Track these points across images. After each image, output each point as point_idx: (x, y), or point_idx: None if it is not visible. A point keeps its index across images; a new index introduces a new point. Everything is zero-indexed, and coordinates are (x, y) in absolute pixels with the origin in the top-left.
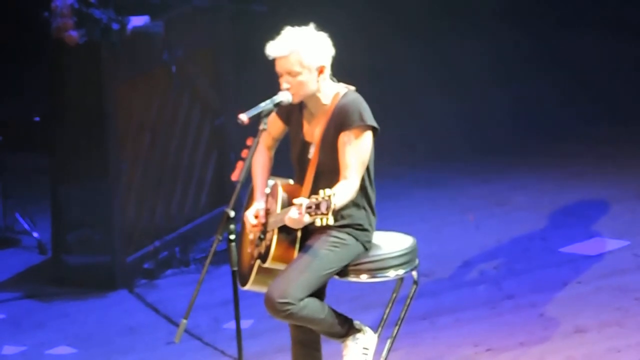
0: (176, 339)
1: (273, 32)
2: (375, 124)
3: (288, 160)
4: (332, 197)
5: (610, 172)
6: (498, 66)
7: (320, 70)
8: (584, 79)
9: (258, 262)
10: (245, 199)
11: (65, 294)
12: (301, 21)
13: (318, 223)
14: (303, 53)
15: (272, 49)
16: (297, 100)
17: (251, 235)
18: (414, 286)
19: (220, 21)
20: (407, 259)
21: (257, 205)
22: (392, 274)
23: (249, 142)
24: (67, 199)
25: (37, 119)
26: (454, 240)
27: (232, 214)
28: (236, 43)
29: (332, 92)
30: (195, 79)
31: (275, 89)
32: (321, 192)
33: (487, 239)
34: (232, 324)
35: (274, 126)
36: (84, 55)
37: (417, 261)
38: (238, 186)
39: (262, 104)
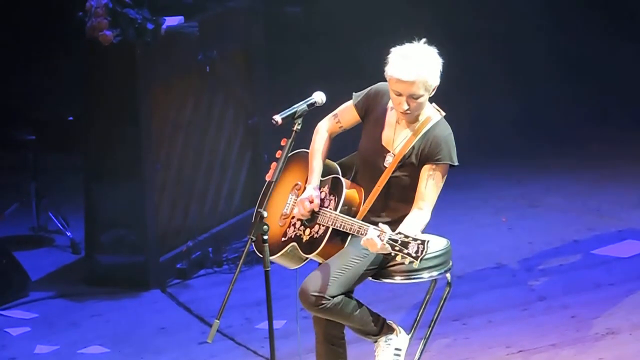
0: (209, 339)
1: (306, 33)
2: (458, 163)
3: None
4: (426, 244)
5: None
6: (531, 67)
7: (434, 89)
8: (618, 81)
9: (294, 244)
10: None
11: (98, 294)
12: (333, 22)
13: (399, 259)
14: (429, 77)
15: (401, 72)
16: (412, 118)
17: (286, 209)
18: (448, 288)
19: (254, 22)
20: (441, 260)
21: (312, 191)
22: (426, 275)
23: (283, 142)
24: (100, 199)
25: (71, 118)
26: (486, 241)
27: (265, 214)
28: (270, 44)
29: (426, 113)
30: (229, 79)
31: (309, 89)
32: (412, 231)
33: (520, 240)
34: (264, 324)
35: (347, 117)
36: (118, 55)
37: (450, 263)
38: (272, 187)
39: (296, 105)
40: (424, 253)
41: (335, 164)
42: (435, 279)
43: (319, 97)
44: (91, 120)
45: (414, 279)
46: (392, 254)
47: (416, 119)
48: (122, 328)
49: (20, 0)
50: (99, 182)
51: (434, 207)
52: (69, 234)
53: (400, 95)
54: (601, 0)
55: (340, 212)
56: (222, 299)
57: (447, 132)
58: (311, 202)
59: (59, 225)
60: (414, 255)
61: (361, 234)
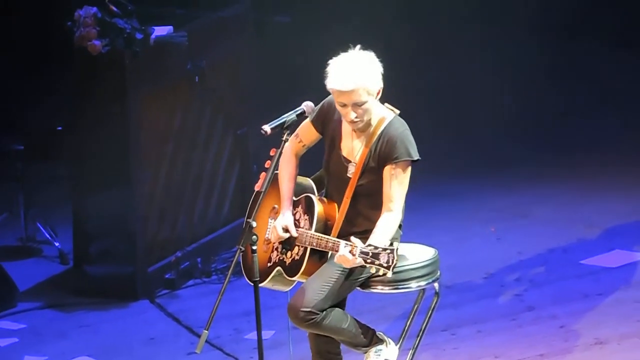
0: (197, 350)
1: (296, 42)
2: (419, 157)
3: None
4: (395, 252)
5: (633, 185)
6: (519, 78)
7: (379, 92)
8: (606, 91)
9: (279, 269)
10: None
11: (86, 304)
12: (323, 32)
13: (374, 271)
14: (368, 83)
15: (340, 83)
16: (361, 125)
17: (268, 234)
18: (436, 298)
19: (243, 32)
20: (429, 270)
21: (288, 217)
22: (414, 285)
23: (272, 152)
24: (89, 209)
25: (59, 128)
26: (475, 251)
27: (254, 224)
28: (259, 53)
29: (379, 114)
30: (218, 89)
31: (298, 99)
32: (381, 240)
33: (509, 250)
34: (253, 335)
35: (307, 135)
36: (107, 64)
37: (438, 273)
38: (261, 197)
39: (285, 115)
40: (394, 262)
41: (310, 181)
42: (423, 289)
43: (308, 107)
44: (80, 130)
45: (401, 288)
46: (367, 266)
47: (369, 124)
48: (110, 338)
49: (8, 10)
50: (87, 192)
51: (411, 206)
52: (57, 244)
53: (345, 105)
54: (600, 7)
55: (316, 230)
56: (211, 309)
57: (401, 129)
58: (284, 228)
59: (47, 235)
60: (385, 265)
61: (335, 250)
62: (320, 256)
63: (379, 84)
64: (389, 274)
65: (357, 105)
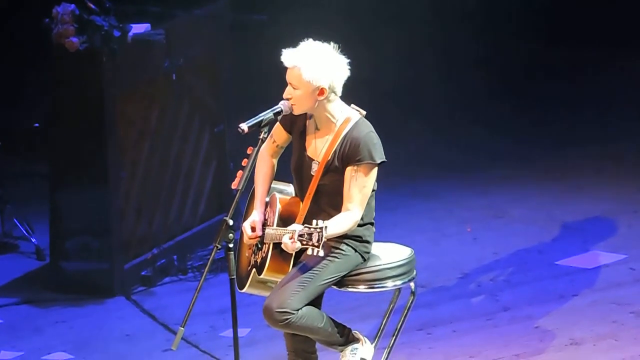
0: (173, 347)
1: (273, 41)
2: (384, 159)
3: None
4: (324, 230)
5: (608, 186)
6: (498, 79)
7: (320, 92)
8: (582, 94)
9: (254, 270)
10: (244, 206)
11: (62, 300)
12: (301, 31)
13: (310, 252)
14: (304, 70)
15: (284, 56)
16: (296, 112)
17: (249, 242)
18: (412, 297)
19: (220, 30)
20: (405, 269)
21: (255, 216)
22: (390, 284)
23: (249, 151)
24: (65, 206)
25: (36, 125)
26: (451, 251)
27: (231, 222)
28: (236, 52)
29: (343, 115)
30: (195, 87)
31: (275, 98)
32: (314, 222)
33: (484, 251)
34: (229, 332)
35: (279, 135)
36: (84, 61)
37: (414, 272)
38: (237, 195)
39: (262, 114)
40: (323, 239)
41: (291, 186)
42: (399, 288)
43: (285, 105)
44: (57, 126)
45: (377, 288)
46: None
47: (332, 123)
48: (86, 335)
49: None
50: (64, 189)
51: (380, 210)
52: (33, 240)
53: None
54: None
55: (277, 226)
56: (187, 306)
57: (366, 132)
58: (253, 227)
59: (24, 231)
60: (316, 244)
61: (281, 240)
62: (280, 250)
63: (320, 82)
64: (321, 253)
65: (292, 86)
